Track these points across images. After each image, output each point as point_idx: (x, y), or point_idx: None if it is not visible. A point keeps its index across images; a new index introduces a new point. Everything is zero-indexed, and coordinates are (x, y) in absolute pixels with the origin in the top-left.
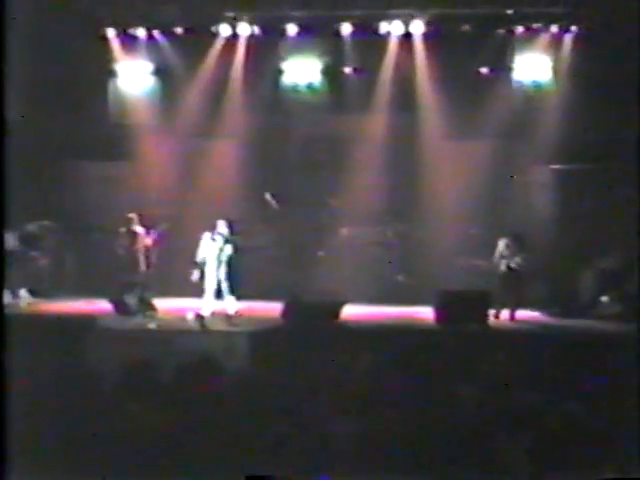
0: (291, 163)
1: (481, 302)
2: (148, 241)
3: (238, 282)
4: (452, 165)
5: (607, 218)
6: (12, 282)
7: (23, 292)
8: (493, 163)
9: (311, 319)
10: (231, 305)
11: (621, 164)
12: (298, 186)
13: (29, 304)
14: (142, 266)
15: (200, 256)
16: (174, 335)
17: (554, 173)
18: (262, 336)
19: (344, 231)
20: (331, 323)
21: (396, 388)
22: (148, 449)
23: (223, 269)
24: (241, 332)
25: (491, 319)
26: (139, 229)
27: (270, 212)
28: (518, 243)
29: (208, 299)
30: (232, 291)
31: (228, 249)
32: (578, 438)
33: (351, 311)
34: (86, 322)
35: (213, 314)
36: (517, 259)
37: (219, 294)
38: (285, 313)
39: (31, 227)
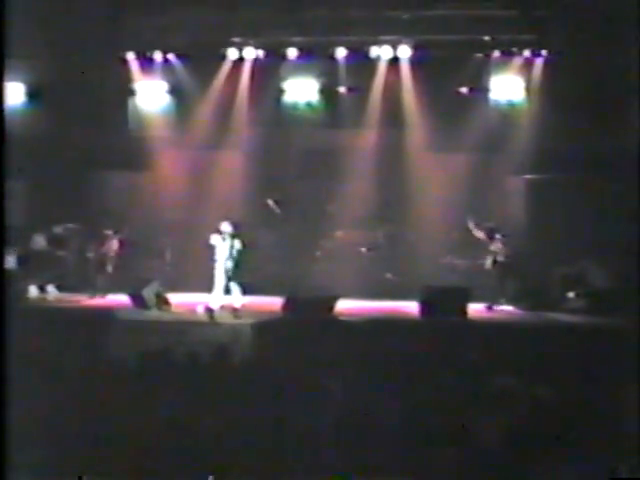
0: (291, 172)
1: (460, 297)
2: (115, 244)
3: (245, 277)
4: (435, 175)
5: (575, 222)
6: (40, 278)
7: (50, 287)
8: (472, 173)
9: (308, 313)
10: (238, 299)
11: (587, 174)
12: (297, 193)
13: (56, 298)
14: (109, 267)
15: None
16: (186, 326)
17: (527, 182)
18: (265, 327)
19: (339, 234)
20: (326, 316)
21: (383, 373)
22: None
23: (232, 264)
24: (246, 323)
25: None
26: (109, 233)
27: (272, 216)
28: (493, 233)
29: (217, 294)
30: (239, 285)
31: (237, 244)
32: (547, 419)
33: (344, 305)
34: (108, 314)
35: (221, 307)
36: (498, 246)
37: (227, 289)
38: (285, 307)
39: (57, 229)
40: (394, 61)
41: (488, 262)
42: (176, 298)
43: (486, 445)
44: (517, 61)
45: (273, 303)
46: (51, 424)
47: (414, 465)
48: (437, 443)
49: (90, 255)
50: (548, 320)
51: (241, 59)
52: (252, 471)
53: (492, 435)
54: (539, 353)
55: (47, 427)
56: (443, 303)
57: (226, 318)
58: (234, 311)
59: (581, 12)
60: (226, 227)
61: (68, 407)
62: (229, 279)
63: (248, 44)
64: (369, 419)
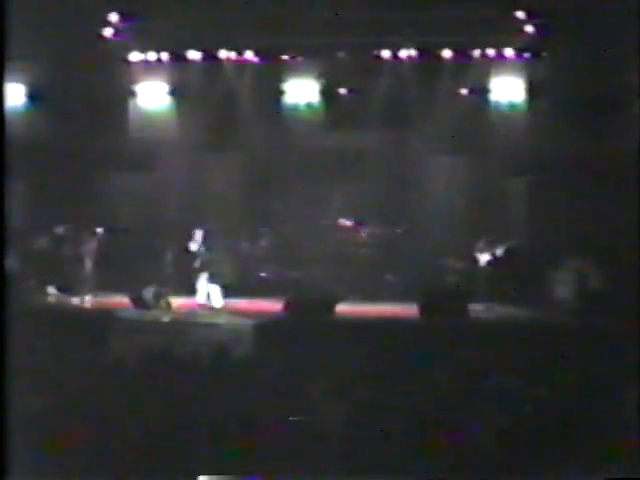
0: (292, 173)
1: (460, 298)
2: (92, 245)
3: (222, 280)
4: (436, 176)
5: (574, 222)
6: (42, 279)
7: (52, 289)
8: (473, 174)
9: (308, 314)
10: (217, 299)
11: (586, 175)
12: (298, 194)
13: (57, 299)
14: (87, 266)
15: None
16: (186, 327)
17: (526, 183)
18: (266, 328)
19: (340, 235)
20: (326, 317)
21: (383, 374)
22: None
23: (206, 270)
24: (248, 324)
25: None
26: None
27: (272, 217)
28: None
29: (201, 296)
30: (216, 286)
31: (202, 250)
32: (546, 420)
33: (344, 307)
34: (109, 314)
35: (216, 309)
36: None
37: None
38: (286, 308)
39: (59, 230)
40: (395, 62)
41: (484, 258)
42: (177, 300)
43: (486, 445)
44: (517, 62)
45: (273, 305)
46: (53, 425)
47: (416, 465)
48: (438, 443)
49: (70, 255)
50: (547, 320)
51: (242, 60)
52: (254, 471)
53: (492, 435)
54: (538, 353)
55: (49, 427)
56: (443, 304)
57: (226, 318)
58: (212, 310)
59: (582, 13)
60: (198, 235)
61: (69, 408)
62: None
63: (250, 45)
64: (370, 420)
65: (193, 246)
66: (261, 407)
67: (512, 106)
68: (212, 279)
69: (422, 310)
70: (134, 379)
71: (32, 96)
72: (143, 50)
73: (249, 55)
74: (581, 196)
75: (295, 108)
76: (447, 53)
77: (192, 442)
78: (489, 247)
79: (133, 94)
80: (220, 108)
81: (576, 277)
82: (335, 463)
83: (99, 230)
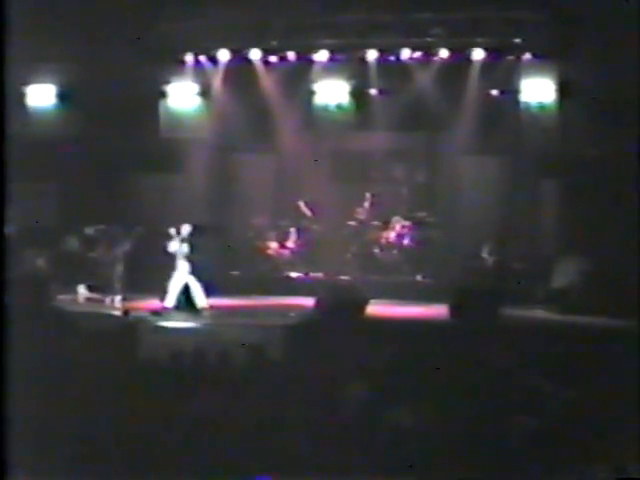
0: (322, 174)
1: (491, 300)
2: (126, 245)
3: (203, 277)
4: (465, 177)
5: (602, 225)
6: (72, 279)
7: (81, 289)
8: (501, 176)
9: (339, 315)
10: (201, 299)
11: (618, 178)
12: (328, 195)
13: (87, 299)
14: (120, 268)
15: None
16: (218, 328)
17: (554, 185)
18: (296, 329)
19: (369, 235)
20: (357, 318)
21: (414, 375)
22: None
23: (186, 266)
24: (278, 326)
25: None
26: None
27: (303, 218)
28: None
29: (170, 295)
30: (199, 285)
31: (185, 248)
32: (574, 423)
33: (375, 307)
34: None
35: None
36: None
37: (187, 290)
38: (316, 308)
39: (89, 231)
40: (425, 63)
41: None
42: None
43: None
44: (548, 63)
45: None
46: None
47: (443, 468)
48: (464, 446)
49: (98, 255)
50: (575, 323)
51: (272, 61)
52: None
53: (521, 436)
54: (567, 356)
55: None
56: (473, 306)
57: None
58: (197, 311)
59: (611, 15)
60: (184, 230)
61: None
62: (187, 282)
63: (279, 46)
64: (400, 424)
65: (173, 246)
66: (289, 409)
67: (542, 107)
68: (196, 278)
69: (453, 311)
70: (164, 381)
71: (62, 96)
72: (174, 51)
73: (280, 55)
74: (611, 197)
75: (325, 109)
76: (478, 54)
77: (216, 445)
78: (496, 250)
79: (164, 95)
80: (249, 109)
81: (602, 278)
82: (362, 466)
83: (132, 231)
